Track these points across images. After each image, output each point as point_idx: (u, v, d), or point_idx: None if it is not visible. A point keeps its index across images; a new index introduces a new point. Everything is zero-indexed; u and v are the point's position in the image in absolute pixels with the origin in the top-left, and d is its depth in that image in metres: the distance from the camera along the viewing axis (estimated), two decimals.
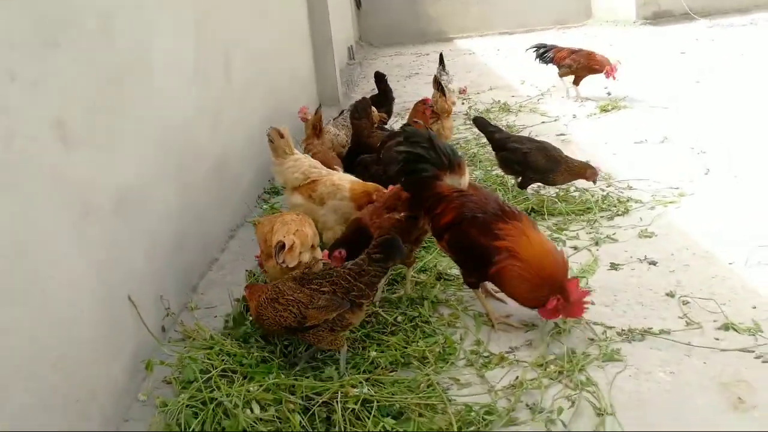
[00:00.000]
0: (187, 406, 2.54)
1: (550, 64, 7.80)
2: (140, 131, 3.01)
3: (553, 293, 2.94)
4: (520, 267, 2.99)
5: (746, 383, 2.59)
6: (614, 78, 7.31)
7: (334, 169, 4.17)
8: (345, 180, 3.84)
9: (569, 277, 3.05)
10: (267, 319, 2.83)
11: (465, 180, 3.37)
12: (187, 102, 3.63)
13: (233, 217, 4.30)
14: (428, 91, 7.83)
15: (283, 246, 2.95)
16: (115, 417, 2.49)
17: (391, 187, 3.62)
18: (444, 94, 5.88)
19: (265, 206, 4.73)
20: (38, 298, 2.13)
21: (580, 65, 7.46)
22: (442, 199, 3.27)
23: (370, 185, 3.90)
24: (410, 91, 9.50)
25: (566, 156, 4.52)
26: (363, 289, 2.76)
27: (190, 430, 2.45)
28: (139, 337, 2.80)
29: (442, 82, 6.02)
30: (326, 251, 3.37)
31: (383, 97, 6.77)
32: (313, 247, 3.14)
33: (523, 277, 2.99)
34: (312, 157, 4.43)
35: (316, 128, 4.89)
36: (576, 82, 7.63)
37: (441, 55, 7.60)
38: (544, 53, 7.78)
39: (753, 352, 2.76)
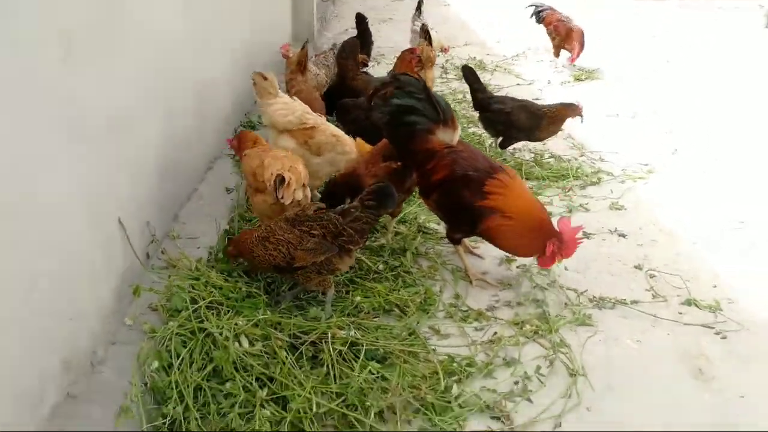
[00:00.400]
0: (176, 334, 2.54)
1: (540, 25, 7.73)
2: (135, 53, 2.87)
3: (548, 238, 3.05)
4: (511, 225, 3.07)
5: (706, 357, 2.80)
6: (572, 63, 7.37)
7: (317, 112, 4.07)
8: (343, 135, 3.78)
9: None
10: (257, 257, 2.83)
11: (456, 135, 3.38)
12: (175, 26, 3.46)
13: (212, 148, 4.20)
14: (403, 38, 7.75)
15: (283, 180, 2.92)
16: (103, 338, 2.46)
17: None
18: (430, 43, 5.83)
19: None
20: (32, 212, 2.05)
21: (558, 36, 7.47)
22: (434, 155, 3.26)
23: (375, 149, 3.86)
24: (384, 36, 9.31)
25: (546, 107, 4.59)
26: (353, 234, 2.79)
27: (180, 358, 2.46)
28: (126, 261, 2.75)
29: (428, 29, 5.94)
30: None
31: (362, 40, 6.63)
32: (304, 186, 3.12)
33: (517, 232, 3.09)
34: (295, 95, 4.34)
35: (301, 64, 4.75)
36: (556, 52, 7.62)
37: (420, 1, 7.48)
38: (540, 11, 7.68)
39: (713, 328, 2.98)
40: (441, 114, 3.28)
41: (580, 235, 3.06)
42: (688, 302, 3.16)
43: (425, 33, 5.78)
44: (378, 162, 3.42)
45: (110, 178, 2.61)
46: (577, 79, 7.18)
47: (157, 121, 3.19)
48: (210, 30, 4.18)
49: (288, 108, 3.71)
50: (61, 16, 2.19)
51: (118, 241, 2.69)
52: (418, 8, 7.29)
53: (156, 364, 2.39)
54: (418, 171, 3.35)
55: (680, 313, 3.09)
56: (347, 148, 3.69)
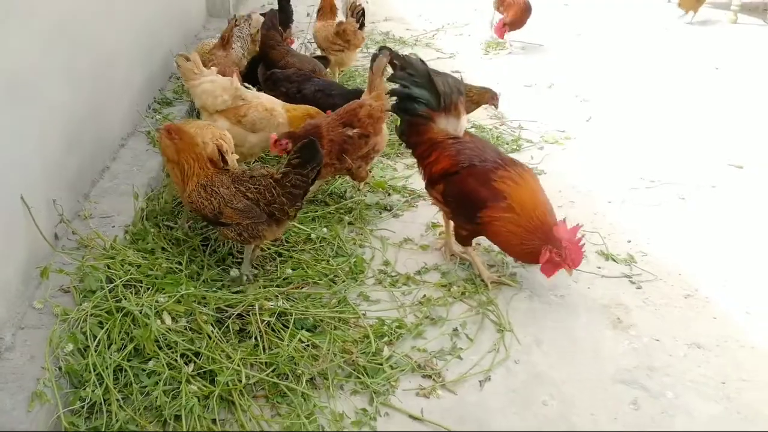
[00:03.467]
0: (91, 315, 2.41)
1: None
2: (31, 14, 2.67)
3: (544, 244, 2.77)
4: (513, 219, 2.83)
5: (624, 306, 2.93)
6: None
7: None
8: (276, 104, 3.68)
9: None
10: (192, 202, 2.78)
11: (461, 123, 3.18)
12: None
13: (124, 124, 3.98)
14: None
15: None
16: (10, 323, 2.30)
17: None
18: (362, 27, 5.72)
19: (157, 116, 4.42)
20: None
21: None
22: (435, 146, 3.09)
23: (312, 109, 3.78)
24: (301, 12, 9.15)
25: (468, 86, 4.62)
26: (284, 203, 2.72)
27: (96, 339, 2.33)
28: (32, 242, 2.57)
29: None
30: (274, 135, 3.29)
31: (284, 15, 6.47)
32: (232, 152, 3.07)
33: (516, 229, 2.82)
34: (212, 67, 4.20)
35: (224, 39, 4.59)
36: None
37: None
38: None
39: (629, 278, 3.11)
40: (442, 101, 3.09)
41: (579, 235, 2.77)
42: (606, 257, 3.29)
43: (356, 12, 5.64)
44: (337, 127, 3.42)
45: (11, 150, 2.43)
46: (486, 49, 7.31)
47: (61, 91, 2.98)
48: (118, 1, 3.96)
49: (216, 87, 3.59)
50: None
51: (22, 219, 2.50)
52: None
53: (70, 346, 2.26)
54: (421, 164, 3.18)
55: (599, 267, 3.21)
56: (280, 120, 3.61)
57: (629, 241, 3.45)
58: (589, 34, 8.09)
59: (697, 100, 5.83)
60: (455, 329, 2.70)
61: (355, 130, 3.43)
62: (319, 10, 5.93)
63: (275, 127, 3.62)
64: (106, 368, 2.24)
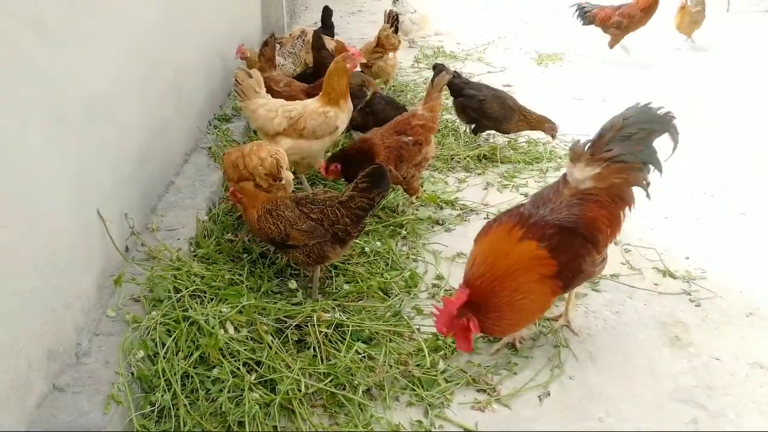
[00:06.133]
0: (160, 323, 2.53)
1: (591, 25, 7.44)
2: (111, 37, 2.85)
3: None
4: None
5: (682, 324, 2.88)
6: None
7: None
8: (318, 104, 3.77)
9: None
10: (260, 228, 2.89)
11: None
12: (150, 13, 3.43)
13: (188, 140, 4.17)
14: (372, 30, 7.79)
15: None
16: (86, 330, 2.44)
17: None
18: (396, 31, 5.89)
19: (217, 132, 4.61)
20: (14, 201, 2.03)
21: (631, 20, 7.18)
22: None
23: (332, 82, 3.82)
24: (353, 29, 9.34)
25: (522, 106, 4.65)
26: (348, 223, 2.80)
27: (165, 347, 2.45)
28: (106, 253, 2.72)
29: (399, 13, 6.05)
30: (323, 163, 3.41)
31: (326, 32, 6.66)
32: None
33: None
34: (283, 90, 4.35)
35: (270, 61, 4.70)
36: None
37: None
38: (585, 12, 7.42)
39: (689, 295, 3.07)
40: None
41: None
42: (663, 273, 3.25)
43: (390, 18, 5.84)
44: (392, 135, 3.55)
45: (89, 167, 2.60)
46: (539, 63, 7.30)
47: (134, 109, 3.16)
48: (183, 20, 4.16)
49: (270, 110, 3.72)
50: (34, 5, 2.17)
51: (98, 232, 2.66)
52: None
53: (141, 353, 2.38)
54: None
55: (655, 284, 3.17)
56: (333, 118, 3.73)
57: (687, 258, 3.39)
58: (642, 48, 7.98)
59: (755, 112, 5.68)
60: (510, 344, 2.71)
61: (409, 138, 3.56)
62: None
63: (334, 128, 3.75)
64: (174, 374, 2.35)
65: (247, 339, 2.59)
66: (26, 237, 2.09)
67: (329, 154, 3.90)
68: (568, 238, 2.51)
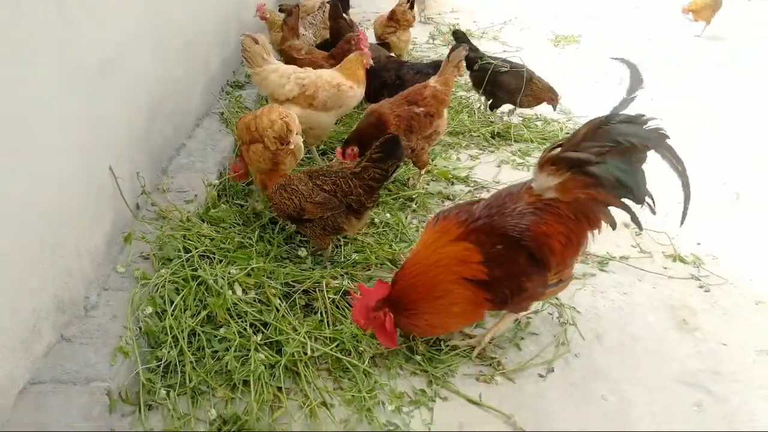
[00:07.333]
0: (168, 281, 2.54)
1: None
2: None
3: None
4: None
5: (690, 308, 2.87)
6: None
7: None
8: (337, 76, 3.74)
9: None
10: (275, 204, 2.89)
11: None
12: None
13: (200, 104, 4.14)
14: (388, 4, 7.73)
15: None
16: (95, 284, 2.45)
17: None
18: (412, 7, 5.84)
19: (229, 98, 4.58)
20: (32, 152, 2.03)
21: None
22: None
23: (353, 56, 3.85)
24: (369, 2, 9.23)
25: (534, 74, 4.62)
26: (361, 194, 2.78)
27: (173, 304, 2.46)
28: (117, 209, 2.72)
29: None
30: (339, 149, 3.39)
31: (343, 2, 6.59)
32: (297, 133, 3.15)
33: None
34: (303, 58, 4.31)
35: (294, 30, 4.65)
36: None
37: None
38: None
39: (698, 280, 3.05)
40: None
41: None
42: (673, 258, 3.23)
43: None
44: (403, 104, 3.51)
45: (102, 124, 2.57)
46: (555, 43, 7.22)
47: (148, 68, 3.13)
48: None
49: (282, 76, 3.68)
50: None
51: (109, 189, 2.65)
52: None
53: (150, 309, 2.39)
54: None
55: (665, 268, 3.15)
56: (349, 93, 3.70)
57: (699, 244, 3.37)
58: (663, 36, 7.88)
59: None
60: (516, 320, 2.70)
61: (420, 109, 3.52)
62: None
63: (345, 101, 3.73)
64: (182, 332, 2.36)
65: (255, 301, 2.59)
66: (38, 184, 2.08)
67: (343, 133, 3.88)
68: (511, 251, 2.22)
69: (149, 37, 3.10)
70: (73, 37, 2.29)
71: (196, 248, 2.75)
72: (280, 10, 6.21)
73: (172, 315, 2.42)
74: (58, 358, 2.12)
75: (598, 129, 2.25)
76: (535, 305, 2.74)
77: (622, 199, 2.30)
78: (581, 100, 5.28)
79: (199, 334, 2.39)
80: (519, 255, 2.23)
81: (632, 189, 2.26)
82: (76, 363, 2.12)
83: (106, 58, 2.57)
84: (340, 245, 3.11)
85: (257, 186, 3.19)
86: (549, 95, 4.60)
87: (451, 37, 5.56)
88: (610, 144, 2.21)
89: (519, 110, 4.97)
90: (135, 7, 2.90)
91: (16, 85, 1.94)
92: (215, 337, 2.40)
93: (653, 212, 2.37)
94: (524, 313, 2.60)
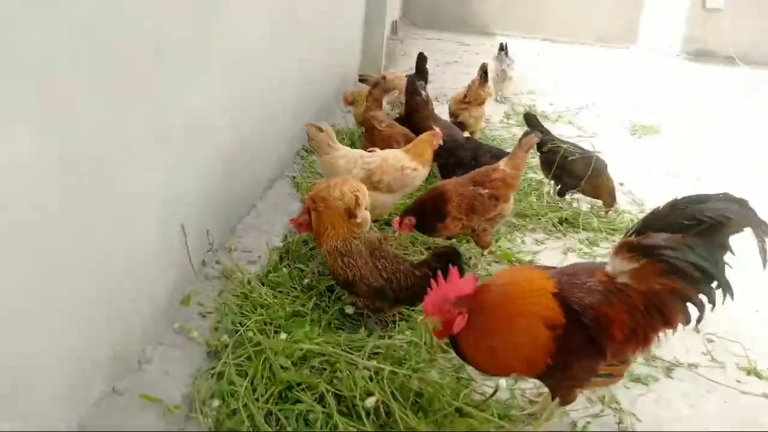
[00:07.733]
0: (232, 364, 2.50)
1: None
2: (218, 54, 2.97)
3: None
4: None
5: (764, 428, 2.64)
6: None
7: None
8: (400, 157, 3.82)
9: None
10: (328, 264, 2.92)
11: None
12: (257, 40, 3.56)
13: (274, 167, 4.28)
14: (466, 81, 7.89)
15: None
16: (152, 338, 2.50)
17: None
18: (485, 82, 5.93)
19: (303, 163, 4.72)
20: (117, 200, 2.17)
21: None
22: None
23: (422, 137, 3.95)
24: (448, 78, 9.44)
25: (607, 173, 4.56)
26: (415, 294, 2.79)
27: (243, 387, 2.36)
28: (181, 266, 2.80)
29: (505, 69, 6.76)
30: (396, 218, 3.42)
31: (420, 77, 6.75)
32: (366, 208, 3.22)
33: None
34: (381, 132, 4.42)
35: (378, 102, 4.76)
36: None
37: (504, 44, 8.05)
38: None
39: None
40: None
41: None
42: (748, 371, 3.01)
43: (481, 71, 5.89)
44: (468, 184, 3.53)
45: (180, 182, 2.70)
46: (633, 132, 7.14)
47: (227, 129, 3.26)
48: (287, 50, 4.29)
49: (349, 161, 3.78)
50: (155, 15, 2.30)
51: (177, 245, 2.75)
52: (503, 49, 7.91)
53: (216, 402, 2.33)
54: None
55: (738, 381, 2.94)
56: (413, 171, 3.75)
57: None
58: (743, 128, 7.66)
59: None
60: (573, 423, 2.56)
61: (486, 190, 3.51)
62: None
63: (409, 182, 3.79)
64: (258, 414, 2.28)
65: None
66: (120, 232, 2.20)
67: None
68: (569, 323, 2.08)
69: (230, 102, 3.25)
70: (161, 100, 2.43)
71: (252, 318, 2.74)
72: (360, 80, 6.44)
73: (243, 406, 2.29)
74: (107, 410, 2.15)
75: (673, 209, 2.12)
76: (592, 409, 2.60)
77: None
78: (655, 193, 5.14)
79: (274, 413, 2.32)
80: (576, 330, 2.09)
81: (722, 284, 2.08)
82: (124, 417, 2.14)
83: (187, 120, 2.70)
84: (395, 321, 3.07)
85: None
86: (606, 198, 4.53)
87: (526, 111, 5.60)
88: (688, 222, 2.05)
89: (590, 198, 4.89)
90: (221, 71, 3.07)
91: (113, 129, 2.08)
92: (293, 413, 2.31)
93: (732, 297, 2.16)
94: (570, 406, 2.45)
